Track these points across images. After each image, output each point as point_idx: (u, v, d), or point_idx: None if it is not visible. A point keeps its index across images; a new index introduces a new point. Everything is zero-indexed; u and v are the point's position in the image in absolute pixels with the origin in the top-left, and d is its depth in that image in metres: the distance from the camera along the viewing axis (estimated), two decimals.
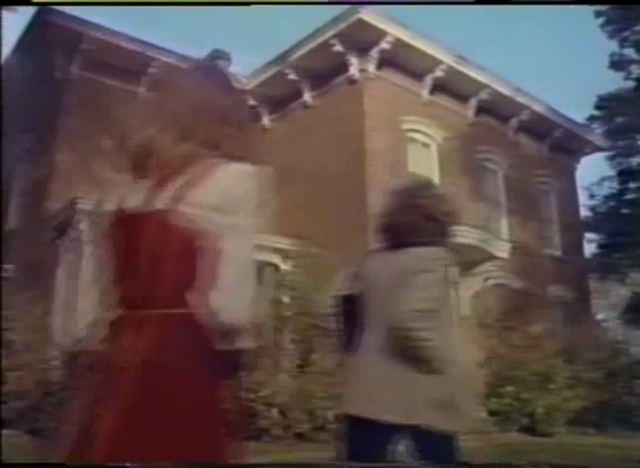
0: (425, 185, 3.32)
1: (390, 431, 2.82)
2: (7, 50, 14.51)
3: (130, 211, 1.90)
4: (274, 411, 11.27)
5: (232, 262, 1.84)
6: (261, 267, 13.36)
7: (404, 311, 2.74)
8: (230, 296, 1.81)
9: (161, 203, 1.86)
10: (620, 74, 24.90)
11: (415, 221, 3.01)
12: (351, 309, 3.14)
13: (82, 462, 1.76)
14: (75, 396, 1.94)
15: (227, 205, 1.85)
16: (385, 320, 2.85)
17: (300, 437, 11.06)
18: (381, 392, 2.83)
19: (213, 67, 2.35)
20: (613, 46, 24.63)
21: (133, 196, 1.91)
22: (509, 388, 13.67)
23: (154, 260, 1.87)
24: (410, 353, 2.78)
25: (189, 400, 1.80)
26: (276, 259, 15.19)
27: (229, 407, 1.92)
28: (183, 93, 2.00)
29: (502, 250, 16.24)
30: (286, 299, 13.93)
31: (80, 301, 11.79)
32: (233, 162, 1.91)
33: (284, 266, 15.07)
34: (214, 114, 1.99)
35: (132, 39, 15.93)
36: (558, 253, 19.95)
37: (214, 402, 1.87)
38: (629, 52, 24.48)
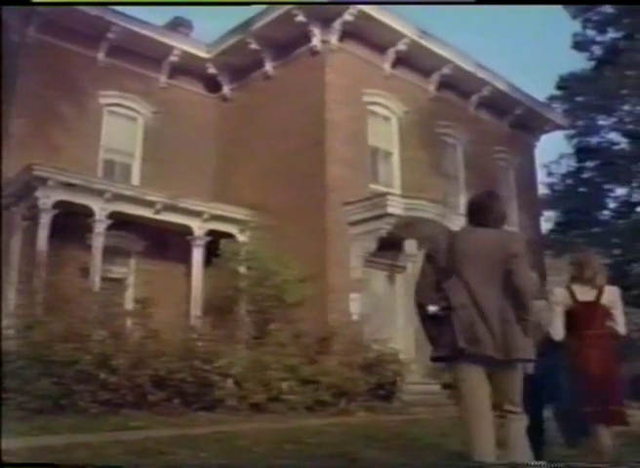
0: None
1: None
2: None
3: (583, 300, 5.43)
4: (229, 382, 11.28)
5: (621, 315, 5.48)
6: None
7: None
8: (622, 325, 5.44)
9: (592, 297, 5.43)
10: (584, 55, 25.11)
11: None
12: None
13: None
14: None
15: (611, 300, 5.46)
16: None
17: (255, 407, 11.10)
18: None
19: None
20: (576, 26, 24.78)
21: (580, 294, 5.44)
22: None
23: (594, 316, 5.40)
24: None
25: (614, 363, 5.49)
26: (234, 230, 15.17)
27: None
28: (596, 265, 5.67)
29: (460, 225, 16.33)
30: (243, 270, 13.91)
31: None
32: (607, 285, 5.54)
33: (241, 237, 15.06)
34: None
35: (91, 3, 15.56)
36: (515, 229, 20.15)
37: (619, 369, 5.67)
38: (592, 33, 24.66)
